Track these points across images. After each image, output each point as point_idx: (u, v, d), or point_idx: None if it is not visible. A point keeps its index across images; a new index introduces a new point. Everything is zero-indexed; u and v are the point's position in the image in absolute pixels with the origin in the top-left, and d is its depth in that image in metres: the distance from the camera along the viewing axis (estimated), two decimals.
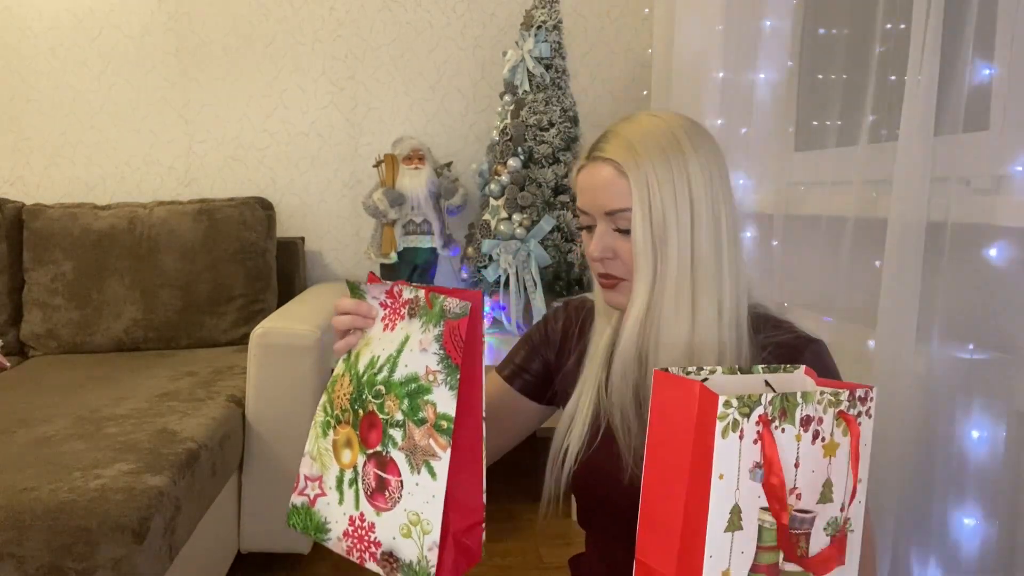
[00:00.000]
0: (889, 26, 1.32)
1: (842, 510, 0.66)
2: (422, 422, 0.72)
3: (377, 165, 2.38)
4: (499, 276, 2.24)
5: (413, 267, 2.41)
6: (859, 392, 0.66)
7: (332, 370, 0.90)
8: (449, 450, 0.71)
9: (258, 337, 1.68)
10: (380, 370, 0.77)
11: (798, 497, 0.64)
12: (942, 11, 1.12)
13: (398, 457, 0.74)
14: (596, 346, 0.96)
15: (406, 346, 0.76)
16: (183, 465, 1.31)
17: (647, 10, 2.53)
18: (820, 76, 1.68)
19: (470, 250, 2.39)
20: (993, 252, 1.07)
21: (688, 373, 0.67)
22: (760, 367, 0.71)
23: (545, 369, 1.04)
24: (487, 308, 2.29)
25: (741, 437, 0.60)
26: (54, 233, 2.17)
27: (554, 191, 2.29)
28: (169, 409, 1.56)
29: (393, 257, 2.34)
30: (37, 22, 2.47)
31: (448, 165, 2.46)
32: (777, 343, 0.87)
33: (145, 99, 2.53)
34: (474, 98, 2.64)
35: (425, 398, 0.73)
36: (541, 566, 1.85)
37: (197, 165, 2.57)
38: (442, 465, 0.71)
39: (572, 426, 0.95)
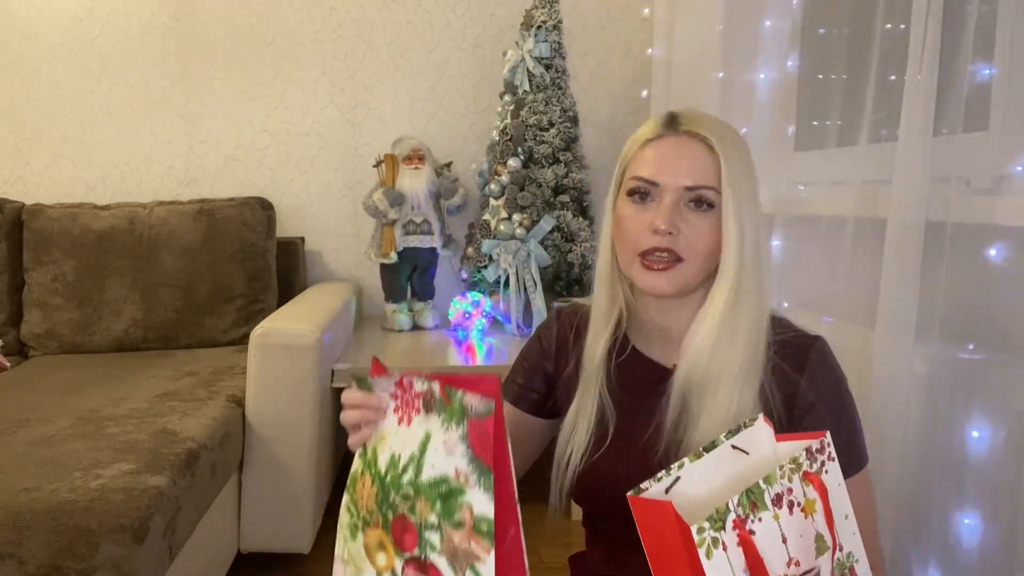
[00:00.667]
0: (889, 26, 1.32)
1: (840, 550, 0.70)
2: (459, 525, 0.70)
3: (377, 165, 2.38)
4: (499, 276, 2.24)
5: (413, 267, 2.41)
6: (814, 445, 0.69)
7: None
8: (493, 551, 0.68)
9: (258, 337, 1.68)
10: (404, 470, 0.74)
11: (797, 564, 0.66)
12: (942, 11, 1.12)
13: (439, 561, 0.72)
14: (594, 350, 0.96)
15: (429, 445, 0.73)
16: (183, 465, 1.31)
17: (647, 10, 2.53)
18: (820, 76, 1.68)
19: (470, 250, 2.39)
20: (993, 252, 1.07)
21: (659, 479, 0.68)
22: (722, 436, 0.71)
23: (547, 384, 1.03)
24: (487, 308, 2.29)
25: (725, 549, 0.62)
26: (54, 233, 2.17)
27: (554, 191, 2.29)
28: (169, 409, 1.56)
29: (393, 257, 2.34)
30: (37, 22, 2.47)
31: (448, 165, 2.46)
32: (780, 342, 0.88)
33: (145, 99, 2.53)
34: (474, 98, 2.64)
35: (459, 500, 0.70)
36: (541, 566, 1.85)
37: (197, 165, 2.57)
38: (488, 567, 0.69)
39: (576, 430, 0.95)
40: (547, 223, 2.19)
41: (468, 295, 2.29)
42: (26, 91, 2.49)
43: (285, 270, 2.39)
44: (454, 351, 2.10)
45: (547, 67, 2.31)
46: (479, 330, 2.28)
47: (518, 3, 2.53)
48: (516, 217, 2.22)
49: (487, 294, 2.33)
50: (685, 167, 0.85)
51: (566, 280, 2.32)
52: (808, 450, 0.69)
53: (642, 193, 0.88)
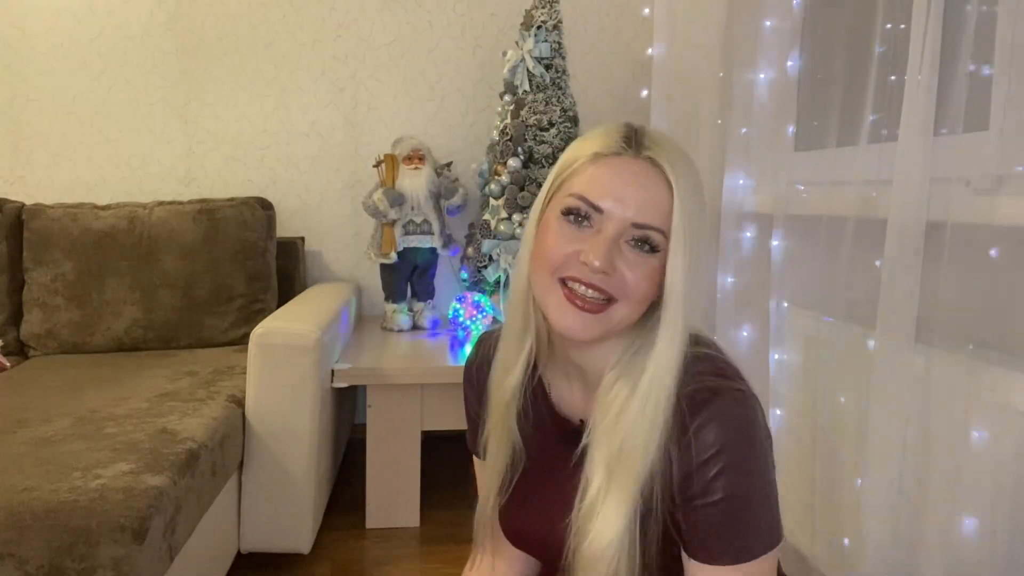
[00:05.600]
0: (889, 26, 1.32)
1: None
2: None
3: (377, 165, 2.38)
4: (499, 276, 2.24)
5: (413, 267, 2.41)
6: None
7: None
8: None
9: (258, 337, 1.68)
10: None
11: None
12: (942, 11, 1.12)
13: None
14: (503, 386, 0.83)
15: None
16: (183, 465, 1.31)
17: (647, 10, 2.53)
18: (820, 76, 1.68)
19: (470, 250, 2.39)
20: (993, 252, 1.07)
21: None
22: None
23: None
24: (487, 308, 2.29)
25: None
26: (54, 233, 2.17)
27: None
28: (169, 409, 1.56)
29: (393, 257, 2.34)
30: (37, 22, 2.47)
31: (448, 165, 2.46)
32: (686, 394, 0.73)
33: (145, 99, 2.53)
34: (474, 98, 2.64)
35: None
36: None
37: (197, 165, 2.57)
38: None
39: (489, 471, 0.87)
40: None
41: (468, 295, 2.29)
42: (26, 91, 2.49)
43: (285, 270, 2.39)
44: (454, 351, 2.10)
45: (547, 67, 2.31)
46: (479, 330, 2.28)
47: (518, 3, 2.53)
48: (516, 217, 2.22)
49: (488, 294, 2.33)
50: (638, 198, 0.71)
51: None
52: None
53: (580, 215, 0.73)
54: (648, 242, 0.72)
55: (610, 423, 0.74)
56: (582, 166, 0.75)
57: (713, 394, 0.71)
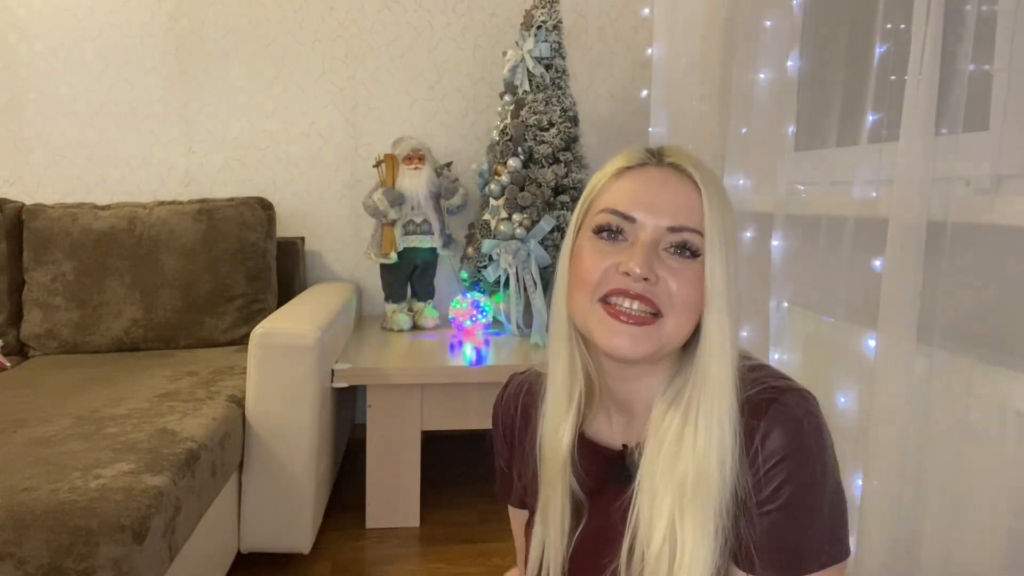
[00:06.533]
0: (889, 26, 1.32)
1: None
2: None
3: (377, 165, 2.38)
4: (499, 276, 2.24)
5: (413, 267, 2.41)
6: None
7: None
8: None
9: (258, 337, 1.68)
10: None
11: None
12: (942, 11, 1.12)
13: None
14: (558, 438, 0.78)
15: None
16: (183, 465, 1.31)
17: (647, 10, 2.53)
18: (820, 76, 1.68)
19: (470, 250, 2.39)
20: (993, 252, 1.07)
21: None
22: None
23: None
24: (487, 308, 2.29)
25: None
26: (54, 233, 2.17)
27: (554, 191, 2.29)
28: (169, 409, 1.56)
29: (393, 257, 2.34)
30: (37, 22, 2.47)
31: (448, 165, 2.46)
32: (745, 399, 0.70)
33: (145, 99, 2.53)
34: (474, 98, 2.64)
35: None
36: None
37: (197, 165, 2.57)
38: None
39: (548, 532, 0.80)
40: (547, 223, 2.19)
41: (468, 295, 2.29)
42: (26, 91, 2.49)
43: (285, 270, 2.39)
44: (454, 351, 2.10)
45: (547, 67, 2.31)
46: (479, 330, 2.28)
47: (518, 3, 2.53)
48: (516, 217, 2.22)
49: (487, 294, 2.33)
50: (669, 203, 0.70)
51: None
52: None
53: (612, 230, 0.71)
54: (687, 246, 0.69)
55: (668, 457, 0.70)
56: (607, 183, 0.74)
57: (778, 393, 0.68)
